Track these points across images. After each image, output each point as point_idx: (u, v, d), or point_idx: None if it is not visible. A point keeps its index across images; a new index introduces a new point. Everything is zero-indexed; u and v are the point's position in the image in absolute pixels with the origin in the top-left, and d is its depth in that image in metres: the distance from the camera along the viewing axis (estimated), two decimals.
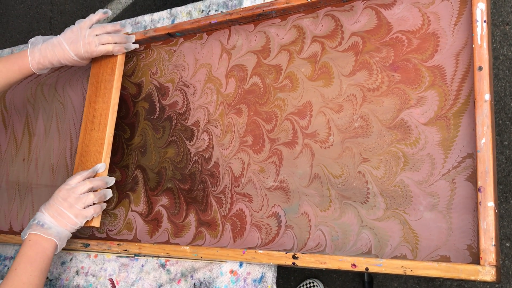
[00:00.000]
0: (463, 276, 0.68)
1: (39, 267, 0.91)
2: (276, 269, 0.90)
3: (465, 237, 0.72)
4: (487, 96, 0.72)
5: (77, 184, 0.97)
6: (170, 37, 1.10)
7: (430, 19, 0.81)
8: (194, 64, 1.06)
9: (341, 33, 0.89)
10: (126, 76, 1.16)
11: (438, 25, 0.80)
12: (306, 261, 0.79)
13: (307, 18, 0.94)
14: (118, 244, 1.00)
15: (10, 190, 1.29)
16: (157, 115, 1.09)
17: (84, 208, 0.96)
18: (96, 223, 1.00)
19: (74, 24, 1.08)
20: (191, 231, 0.96)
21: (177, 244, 0.96)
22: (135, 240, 1.03)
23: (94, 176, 1.01)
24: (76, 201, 0.95)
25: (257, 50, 0.98)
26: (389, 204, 0.78)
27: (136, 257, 1.02)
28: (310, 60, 0.91)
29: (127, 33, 1.12)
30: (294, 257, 0.81)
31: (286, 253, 0.82)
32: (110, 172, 1.11)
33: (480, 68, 0.73)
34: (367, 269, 0.74)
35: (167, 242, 0.98)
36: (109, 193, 1.01)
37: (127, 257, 1.03)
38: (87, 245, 1.04)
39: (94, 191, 0.98)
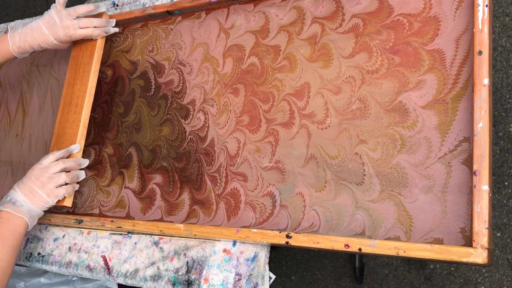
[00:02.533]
0: (455, 258, 0.68)
1: (10, 244, 0.91)
2: (269, 250, 0.89)
3: (458, 220, 0.71)
4: (486, 81, 0.71)
5: (50, 163, 0.97)
6: (168, 15, 1.08)
7: (431, 2, 0.80)
8: (191, 43, 1.05)
9: (341, 14, 0.88)
10: (123, 52, 1.14)
11: (440, 8, 0.79)
12: (300, 240, 0.79)
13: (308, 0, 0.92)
14: (111, 221, 0.99)
15: (2, 167, 1.27)
16: (152, 93, 1.07)
17: (56, 188, 0.96)
18: (68, 202, 1.00)
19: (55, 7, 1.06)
20: (185, 209, 0.95)
21: (171, 222, 0.95)
22: (128, 217, 1.01)
23: (68, 157, 1.01)
24: (48, 180, 0.95)
25: (256, 30, 0.97)
26: (385, 186, 0.77)
27: (130, 235, 1.00)
28: (310, 41, 0.90)
29: (108, 17, 1.12)
30: (288, 236, 0.80)
31: (280, 232, 0.81)
32: (103, 148, 1.09)
33: (480, 53, 0.72)
34: (360, 249, 0.74)
35: (161, 220, 0.97)
36: (82, 174, 1.02)
37: (120, 234, 1.01)
38: (81, 221, 1.03)
39: (67, 171, 0.99)
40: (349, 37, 0.86)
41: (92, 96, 1.07)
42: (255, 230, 0.83)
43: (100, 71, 1.14)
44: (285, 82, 0.91)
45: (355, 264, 1.58)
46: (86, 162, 1.04)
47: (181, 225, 0.91)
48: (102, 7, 1.10)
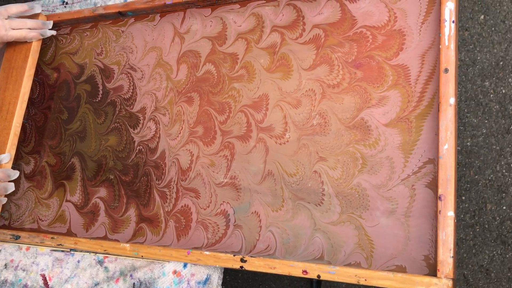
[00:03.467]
0: None
1: None
2: (222, 271, 0.82)
3: (422, 247, 0.67)
4: (452, 100, 0.67)
5: None
6: (120, 16, 1.00)
7: (396, 15, 0.75)
8: (143, 47, 0.97)
9: (302, 24, 0.82)
10: (69, 54, 1.05)
11: (405, 22, 0.75)
12: (255, 265, 0.73)
13: (268, 6, 0.86)
14: (52, 238, 0.90)
15: None
16: (99, 99, 0.98)
17: None
18: None
19: None
20: (131, 227, 0.87)
21: (116, 240, 0.87)
22: (69, 233, 0.93)
23: None
24: None
25: (213, 37, 0.90)
26: (345, 207, 0.72)
27: (72, 252, 0.92)
28: (269, 50, 0.84)
29: (45, 18, 1.04)
30: (242, 260, 0.74)
31: (234, 255, 0.75)
32: (44, 157, 1.00)
33: (446, 70, 0.68)
34: (319, 276, 0.68)
35: (105, 238, 0.89)
36: (11, 187, 0.94)
37: (62, 251, 0.92)
38: (18, 237, 0.93)
39: None
40: (310, 48, 0.81)
41: (25, 102, 0.99)
42: (207, 252, 0.76)
43: (44, 74, 1.05)
44: (243, 92, 0.84)
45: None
46: (15, 174, 0.95)
47: (127, 245, 0.83)
48: (37, 8, 1.02)
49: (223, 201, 0.81)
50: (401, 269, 0.67)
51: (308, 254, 0.73)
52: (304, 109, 0.79)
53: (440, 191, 0.65)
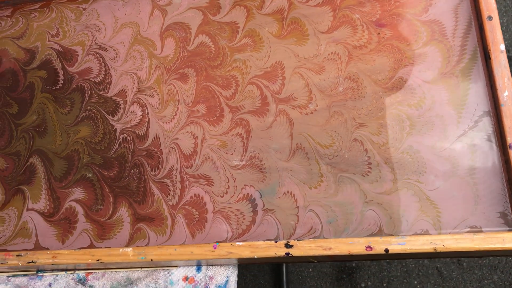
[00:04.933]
0: (509, 245, 0.52)
1: None
2: (237, 273, 0.65)
3: (495, 203, 0.56)
4: (502, 46, 0.58)
5: None
6: None
7: None
8: (114, 24, 0.77)
9: None
10: (13, 39, 0.80)
11: None
12: (305, 248, 0.56)
13: None
14: (17, 255, 0.64)
15: None
16: (61, 85, 0.76)
17: None
18: None
19: None
20: (125, 229, 0.65)
21: (108, 247, 0.65)
22: (39, 248, 0.68)
23: None
24: None
25: (203, 6, 0.73)
26: (398, 173, 0.59)
27: (40, 274, 0.67)
28: (276, 16, 0.70)
29: None
30: (288, 245, 0.57)
31: (276, 242, 0.58)
32: None
33: (490, 18, 0.59)
34: (387, 250, 0.54)
35: (91, 247, 0.66)
36: None
37: (25, 275, 0.67)
38: None
39: None
40: (325, 10, 0.68)
41: None
42: (240, 243, 0.58)
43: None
44: (250, 63, 0.69)
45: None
46: None
47: (129, 249, 0.61)
48: None
49: (245, 185, 0.63)
50: (476, 230, 0.55)
51: (363, 230, 0.58)
52: (329, 74, 0.65)
53: (509, 140, 0.55)
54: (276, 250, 0.57)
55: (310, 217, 0.59)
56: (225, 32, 0.70)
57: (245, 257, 0.58)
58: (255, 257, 0.57)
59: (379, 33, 0.64)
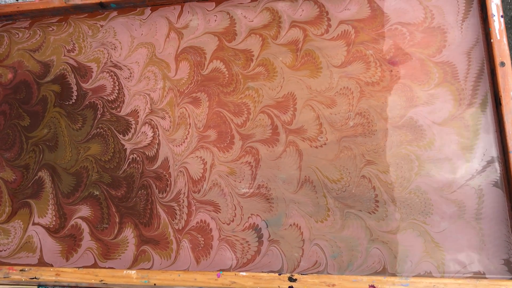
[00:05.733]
0: None
1: None
2: None
3: (500, 250, 0.54)
4: None
5: None
6: (101, 8, 0.76)
7: (433, 13, 0.64)
8: (130, 43, 0.74)
9: (327, 20, 0.68)
10: (29, 51, 0.78)
11: (443, 19, 0.63)
12: (308, 283, 0.54)
13: (283, 2, 0.70)
14: (21, 270, 0.62)
15: None
16: (74, 101, 0.73)
17: None
18: None
19: None
20: (130, 250, 0.63)
21: (111, 268, 0.62)
22: (42, 264, 0.65)
23: None
24: None
25: (219, 32, 0.71)
26: (404, 213, 0.57)
27: None
28: (290, 47, 0.68)
29: None
30: (291, 279, 0.55)
31: (280, 274, 0.55)
32: (2, 171, 0.71)
33: (503, 64, 0.57)
34: None
35: (94, 266, 0.63)
36: None
37: None
38: None
39: None
40: (339, 44, 0.66)
41: None
42: (243, 273, 0.56)
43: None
44: (263, 92, 0.67)
45: None
46: None
47: (132, 272, 0.59)
48: None
49: (252, 214, 0.61)
50: (479, 276, 0.53)
51: (367, 268, 0.56)
52: (340, 108, 0.63)
53: None
54: (280, 283, 0.54)
55: (315, 251, 0.57)
56: (240, 59, 0.68)
57: None
58: None
59: (391, 71, 0.62)
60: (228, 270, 0.57)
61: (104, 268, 0.61)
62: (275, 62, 0.66)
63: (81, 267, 0.61)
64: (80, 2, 0.74)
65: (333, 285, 0.52)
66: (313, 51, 0.65)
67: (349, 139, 0.60)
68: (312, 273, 0.55)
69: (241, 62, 0.67)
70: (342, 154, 0.59)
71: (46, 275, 0.60)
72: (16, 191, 0.69)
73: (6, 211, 0.68)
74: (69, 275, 0.59)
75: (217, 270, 0.57)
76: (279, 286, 0.53)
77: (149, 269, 0.59)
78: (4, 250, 0.65)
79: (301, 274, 0.53)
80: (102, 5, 0.74)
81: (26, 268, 0.61)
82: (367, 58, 0.63)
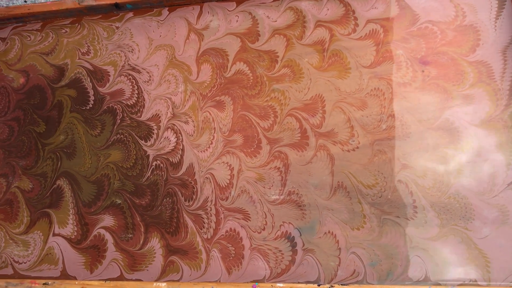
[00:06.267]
0: None
1: None
2: None
3: None
4: None
5: None
6: (116, 9, 0.72)
7: (464, 10, 0.60)
8: (148, 45, 0.70)
9: (354, 19, 0.64)
10: (42, 54, 0.73)
11: (476, 17, 0.60)
12: None
13: (307, 1, 0.66)
14: (44, 284, 0.57)
15: None
16: (91, 106, 0.69)
17: None
18: None
19: None
20: (157, 261, 0.59)
21: (138, 280, 0.58)
22: (65, 277, 0.61)
23: None
24: None
25: (241, 33, 0.67)
26: (445, 219, 0.53)
27: None
28: (316, 47, 0.64)
29: None
30: None
31: (319, 285, 0.52)
32: (13, 181, 0.67)
33: None
34: None
35: (120, 278, 0.59)
36: None
37: None
38: None
39: None
40: (367, 44, 0.62)
41: None
42: (280, 284, 0.52)
43: (5, 78, 0.72)
44: (289, 94, 0.63)
45: None
46: None
47: (163, 284, 0.55)
48: None
49: (283, 222, 0.57)
50: None
51: (408, 277, 0.52)
52: (372, 110, 0.59)
53: None
54: None
55: (353, 259, 0.53)
56: (264, 60, 0.64)
57: None
58: None
59: (423, 71, 0.58)
60: (262, 281, 0.54)
61: (131, 280, 0.57)
62: (301, 63, 0.62)
63: (106, 280, 0.56)
64: (94, 3, 0.69)
65: None
66: (340, 51, 0.61)
67: (383, 142, 0.56)
68: (351, 283, 0.51)
69: (265, 64, 0.63)
70: (376, 158, 0.56)
71: None
72: (34, 201, 0.64)
73: (25, 221, 0.63)
74: None
75: (251, 281, 0.53)
76: None
77: (178, 280, 0.55)
78: (24, 263, 0.61)
79: (341, 284, 0.50)
80: (117, 6, 0.70)
81: (50, 282, 0.57)
82: (398, 58, 0.59)
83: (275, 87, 0.61)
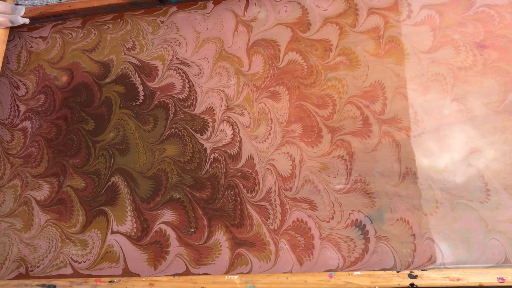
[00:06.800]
0: None
1: None
2: None
3: None
4: None
5: None
6: (160, 3, 0.69)
7: None
8: (195, 38, 0.67)
9: (407, 5, 0.61)
10: (85, 51, 0.70)
11: None
12: (430, 278, 0.48)
13: None
14: (109, 282, 0.54)
15: None
16: (141, 101, 0.66)
17: None
18: None
19: None
20: (224, 254, 0.56)
21: (206, 274, 0.55)
22: (128, 274, 0.58)
23: None
24: None
25: (291, 23, 0.64)
26: None
27: None
28: (371, 34, 0.61)
29: (13, 3, 0.70)
30: (411, 275, 0.49)
31: (398, 271, 0.49)
32: (65, 180, 0.63)
33: None
34: None
35: (186, 273, 0.56)
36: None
37: None
38: (52, 287, 0.55)
39: None
40: (424, 30, 0.60)
41: None
42: (358, 272, 0.50)
43: (48, 77, 0.69)
44: (347, 81, 0.60)
45: None
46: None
47: (235, 276, 0.52)
48: None
49: (352, 210, 0.55)
50: None
51: (488, 259, 0.50)
52: (434, 95, 0.57)
53: None
54: (399, 280, 0.48)
55: (428, 245, 0.51)
56: (317, 49, 0.61)
57: (364, 287, 0.49)
58: (376, 287, 0.49)
59: (482, 55, 0.56)
60: (336, 270, 0.51)
61: (198, 274, 0.54)
62: (356, 51, 0.59)
63: (174, 275, 0.54)
64: None
65: (458, 279, 0.46)
66: (397, 38, 0.59)
67: (448, 126, 0.54)
68: (430, 268, 0.49)
69: (319, 53, 0.61)
70: (442, 143, 0.53)
71: (139, 285, 0.52)
72: (88, 199, 0.61)
73: (80, 220, 0.60)
74: (165, 284, 0.52)
75: (325, 271, 0.51)
76: (399, 284, 0.47)
77: (248, 273, 0.53)
78: (84, 262, 0.58)
79: (421, 270, 0.47)
80: (161, 0, 0.67)
81: (115, 280, 0.54)
82: (456, 42, 0.57)
83: (330, 75, 0.59)
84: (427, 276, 0.45)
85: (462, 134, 0.51)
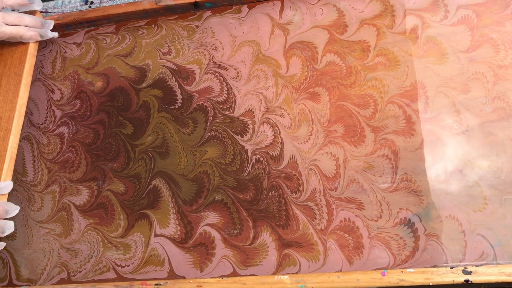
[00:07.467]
0: None
1: None
2: None
3: None
4: None
5: None
6: (195, 8, 0.68)
7: None
8: (231, 42, 0.66)
9: (444, 6, 0.61)
10: (120, 57, 0.69)
11: None
12: (485, 274, 0.47)
13: None
14: (156, 285, 0.53)
15: None
16: (179, 105, 0.65)
17: None
18: None
19: None
20: (271, 255, 0.55)
21: (253, 275, 0.54)
22: (174, 277, 0.56)
23: None
24: None
25: (328, 25, 0.64)
26: None
27: None
28: (409, 35, 0.61)
29: (41, 17, 0.70)
30: (466, 271, 0.47)
31: (452, 268, 0.48)
32: (104, 184, 0.62)
33: None
34: None
35: (234, 275, 0.55)
36: (9, 227, 0.55)
37: None
38: None
39: None
40: (462, 29, 0.59)
41: (23, 117, 0.62)
42: (411, 270, 0.49)
43: (83, 82, 0.68)
44: (387, 81, 0.59)
45: None
46: (16, 210, 0.57)
47: (285, 277, 0.50)
48: (38, 4, 0.66)
49: (400, 208, 0.54)
50: None
51: None
52: (476, 93, 0.56)
53: None
54: (454, 277, 0.47)
55: (479, 241, 0.50)
56: (355, 50, 0.61)
57: (418, 285, 0.48)
58: (430, 284, 0.47)
59: None
60: (387, 268, 0.50)
61: (245, 276, 0.52)
62: (394, 51, 0.59)
63: (223, 277, 0.52)
64: (172, 3, 0.66)
65: None
66: (435, 38, 0.58)
67: (492, 124, 0.53)
68: (483, 264, 0.47)
69: (357, 54, 0.60)
70: (487, 140, 0.53)
71: (187, 287, 0.51)
72: (129, 203, 0.59)
73: (122, 224, 0.58)
74: (213, 285, 0.50)
75: (376, 269, 0.49)
76: (453, 280, 0.46)
77: (296, 273, 0.51)
78: (127, 266, 0.56)
79: (476, 265, 0.46)
80: (196, 5, 0.66)
81: (162, 282, 0.52)
82: (494, 41, 0.56)
83: (369, 75, 0.58)
84: (481, 272, 0.44)
85: (506, 131, 0.50)
